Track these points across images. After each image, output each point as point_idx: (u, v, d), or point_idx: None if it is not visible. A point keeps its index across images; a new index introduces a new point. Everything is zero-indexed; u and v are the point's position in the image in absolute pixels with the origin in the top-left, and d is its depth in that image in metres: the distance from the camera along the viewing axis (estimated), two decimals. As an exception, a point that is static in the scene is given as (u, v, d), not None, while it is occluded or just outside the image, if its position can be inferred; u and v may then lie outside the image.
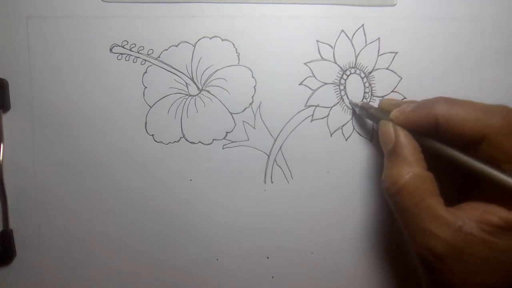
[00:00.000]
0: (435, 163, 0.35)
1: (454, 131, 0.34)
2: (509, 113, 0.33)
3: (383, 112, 0.39)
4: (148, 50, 0.41)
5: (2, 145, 0.40)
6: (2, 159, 0.40)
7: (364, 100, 0.43)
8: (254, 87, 0.42)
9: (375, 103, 0.43)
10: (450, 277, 0.33)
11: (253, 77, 0.42)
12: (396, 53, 0.43)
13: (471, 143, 0.33)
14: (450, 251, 0.32)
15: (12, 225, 0.41)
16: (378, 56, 0.43)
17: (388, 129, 0.37)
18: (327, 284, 0.43)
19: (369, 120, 0.42)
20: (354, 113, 0.43)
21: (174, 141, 0.42)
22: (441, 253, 0.32)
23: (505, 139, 0.32)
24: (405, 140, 0.36)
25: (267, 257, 0.43)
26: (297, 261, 0.43)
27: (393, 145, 0.36)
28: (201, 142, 0.42)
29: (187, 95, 0.42)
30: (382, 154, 0.42)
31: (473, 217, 0.32)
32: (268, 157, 0.43)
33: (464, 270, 0.32)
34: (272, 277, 0.43)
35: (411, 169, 0.34)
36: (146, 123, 0.42)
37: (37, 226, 0.41)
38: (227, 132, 0.42)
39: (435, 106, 0.35)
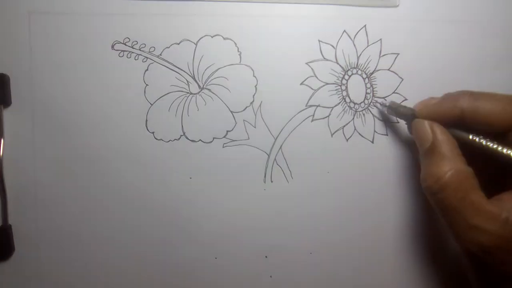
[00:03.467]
0: (467, 155, 0.36)
1: (481, 123, 0.35)
2: None
3: (412, 109, 0.40)
4: (150, 48, 0.41)
5: (2, 140, 0.40)
6: (2, 155, 0.40)
7: (365, 101, 0.43)
8: (255, 86, 0.42)
9: (375, 104, 0.43)
10: (503, 268, 0.33)
11: (254, 76, 0.42)
12: (398, 54, 0.43)
13: (499, 133, 0.34)
14: (499, 244, 0.32)
15: (11, 220, 0.41)
16: (380, 57, 0.43)
17: (424, 127, 0.37)
18: (326, 285, 0.43)
19: (399, 119, 0.42)
20: (381, 113, 0.43)
21: (175, 139, 0.42)
22: (490, 246, 0.32)
23: None
24: (443, 137, 0.36)
25: (266, 257, 0.43)
26: (296, 261, 0.43)
27: (431, 143, 0.36)
28: (201, 141, 0.42)
29: (188, 93, 0.42)
30: (382, 155, 0.43)
31: None
32: (268, 156, 0.43)
33: None
34: (271, 276, 0.43)
35: (453, 166, 0.34)
36: (146, 120, 0.42)
37: (36, 222, 0.41)
38: (227, 131, 0.42)
39: (460, 99, 0.36)
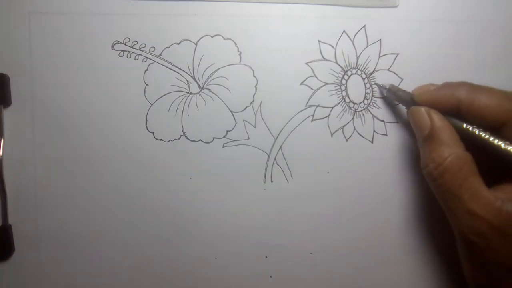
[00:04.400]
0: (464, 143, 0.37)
1: (475, 115, 0.36)
2: None
3: (411, 93, 0.40)
4: (150, 48, 0.41)
5: (2, 140, 0.40)
6: (2, 155, 0.40)
7: (365, 101, 0.43)
8: (255, 86, 0.42)
9: (376, 104, 0.43)
10: (495, 255, 0.34)
11: (254, 76, 0.42)
12: (398, 54, 0.43)
13: (493, 127, 0.35)
14: (494, 231, 0.33)
15: (11, 220, 0.41)
16: (379, 57, 0.43)
17: (421, 114, 0.38)
18: (326, 285, 0.43)
19: (397, 102, 0.42)
20: (384, 100, 0.43)
21: (175, 139, 0.42)
22: (485, 232, 0.33)
23: None
24: (440, 123, 0.37)
25: (266, 257, 0.43)
26: (296, 261, 0.43)
27: (429, 130, 0.37)
28: (201, 140, 0.42)
29: (188, 93, 0.42)
30: (382, 155, 0.43)
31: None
32: (268, 156, 0.43)
33: (510, 247, 0.33)
34: (271, 276, 0.43)
35: (452, 151, 0.35)
36: (146, 120, 0.42)
37: (36, 222, 0.41)
38: (227, 131, 0.42)
39: (458, 89, 0.37)
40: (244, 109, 0.42)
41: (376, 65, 0.43)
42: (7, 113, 0.41)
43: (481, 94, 0.36)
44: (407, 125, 0.43)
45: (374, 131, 0.43)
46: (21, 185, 0.41)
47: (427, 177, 0.37)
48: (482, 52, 0.43)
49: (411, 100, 0.39)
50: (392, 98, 0.42)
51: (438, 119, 0.37)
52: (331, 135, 0.43)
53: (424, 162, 0.37)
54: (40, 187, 0.41)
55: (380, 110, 0.43)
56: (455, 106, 0.37)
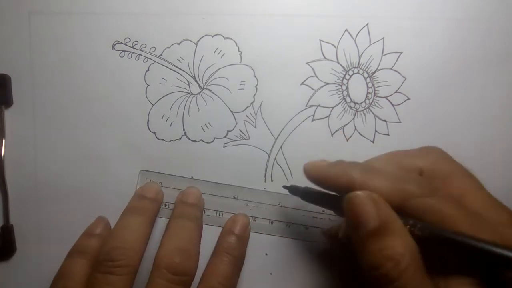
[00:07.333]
0: None
1: None
2: (423, 181, 0.32)
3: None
4: (151, 48, 0.41)
5: (4, 140, 0.41)
6: (4, 155, 0.41)
7: (367, 101, 0.43)
8: (256, 86, 0.42)
9: (378, 104, 0.43)
10: None
11: (255, 76, 0.42)
12: (401, 53, 0.43)
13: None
14: None
15: (12, 220, 0.41)
16: (382, 56, 0.43)
17: (364, 202, 0.30)
18: (325, 283, 0.44)
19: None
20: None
21: (176, 139, 0.42)
22: None
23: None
24: (390, 210, 0.30)
25: (266, 254, 0.43)
26: (296, 258, 0.43)
27: (379, 221, 0.29)
28: (202, 141, 0.42)
29: (189, 93, 0.42)
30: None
31: None
32: (269, 156, 0.43)
33: None
34: (271, 273, 0.43)
35: (408, 244, 0.29)
36: (148, 120, 0.42)
37: (37, 222, 0.42)
38: (228, 131, 0.42)
39: (352, 169, 0.33)
40: (244, 109, 0.42)
41: (379, 64, 0.43)
42: (8, 113, 0.41)
43: (373, 176, 0.32)
44: (411, 124, 0.43)
45: (375, 130, 0.43)
46: (23, 185, 0.42)
47: (380, 281, 0.28)
48: (488, 50, 0.43)
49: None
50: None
51: (385, 206, 0.30)
52: (332, 135, 0.43)
53: (374, 263, 0.29)
54: (42, 187, 0.42)
55: (382, 110, 0.43)
56: (346, 186, 0.32)
